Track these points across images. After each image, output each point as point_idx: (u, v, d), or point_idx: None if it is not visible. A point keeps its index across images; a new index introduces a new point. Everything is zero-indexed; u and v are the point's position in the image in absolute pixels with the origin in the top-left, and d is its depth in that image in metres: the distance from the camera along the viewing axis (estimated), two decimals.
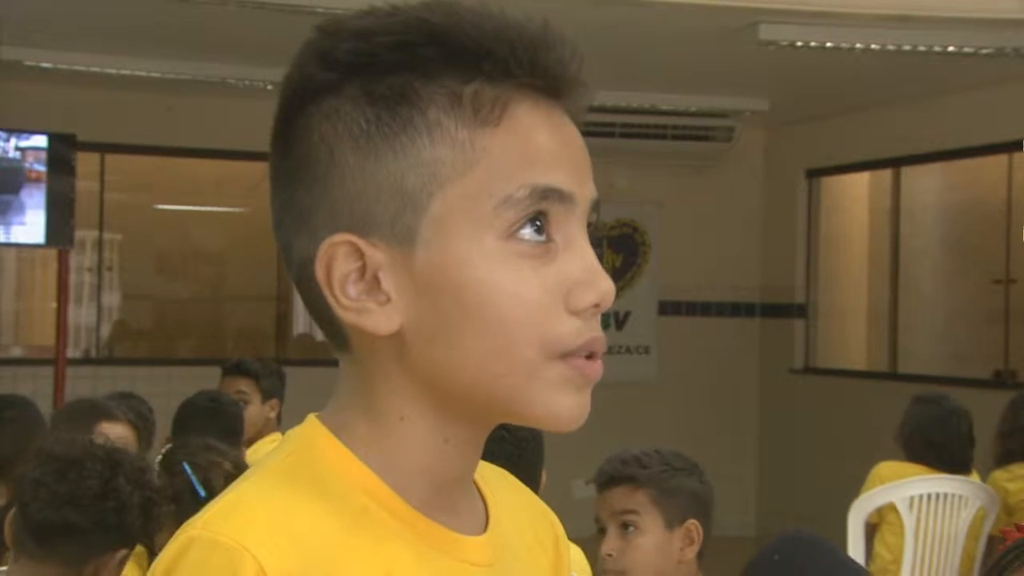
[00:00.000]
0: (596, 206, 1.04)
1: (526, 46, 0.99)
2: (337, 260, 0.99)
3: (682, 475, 2.81)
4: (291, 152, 1.02)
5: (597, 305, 1.00)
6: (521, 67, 0.99)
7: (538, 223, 0.98)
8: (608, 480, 2.83)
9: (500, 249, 0.98)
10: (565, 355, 0.99)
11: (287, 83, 1.03)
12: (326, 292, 1.00)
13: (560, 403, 1.00)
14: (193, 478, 2.99)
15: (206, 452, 3.13)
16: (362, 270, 0.99)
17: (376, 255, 0.99)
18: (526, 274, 0.98)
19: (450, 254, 0.98)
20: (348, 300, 1.00)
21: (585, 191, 1.02)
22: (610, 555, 2.78)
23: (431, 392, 1.01)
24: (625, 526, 2.79)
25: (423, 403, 1.01)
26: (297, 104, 1.02)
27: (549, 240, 0.99)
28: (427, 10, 1.00)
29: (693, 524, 2.79)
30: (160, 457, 3.15)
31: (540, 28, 1.00)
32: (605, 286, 1.00)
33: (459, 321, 0.98)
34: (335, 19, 1.02)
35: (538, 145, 0.99)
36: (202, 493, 2.92)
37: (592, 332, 1.00)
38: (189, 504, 2.87)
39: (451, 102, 0.98)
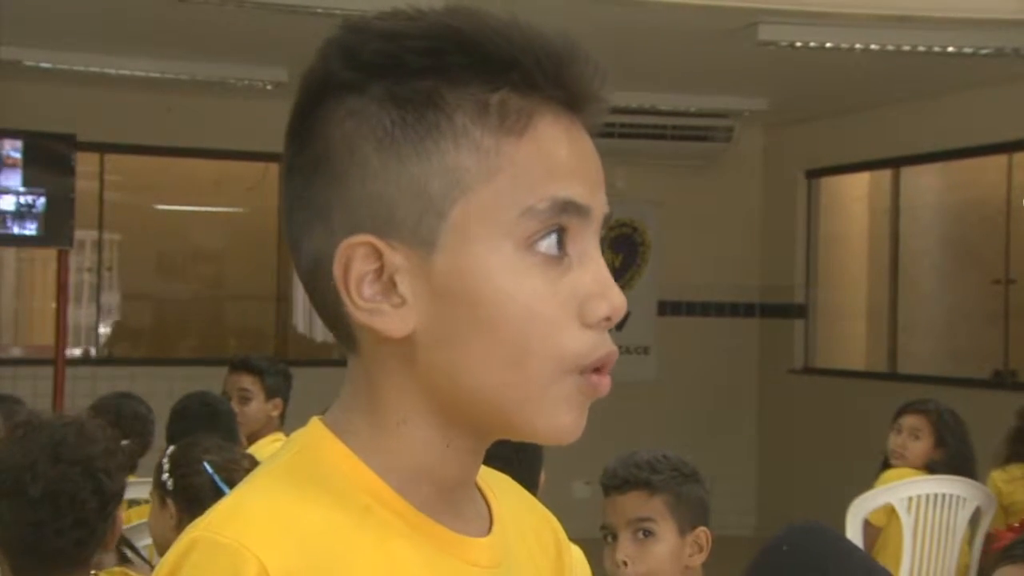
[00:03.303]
0: (607, 220, 1.04)
1: (552, 59, 0.99)
2: (355, 260, 0.99)
3: (690, 481, 2.79)
4: (308, 147, 1.02)
5: (609, 318, 1.00)
6: (547, 79, 0.99)
7: (557, 236, 0.99)
8: (621, 484, 2.78)
9: (518, 260, 0.98)
10: (580, 369, 0.99)
11: (309, 77, 1.03)
12: (342, 291, 0.99)
13: (563, 418, 1.00)
14: (215, 477, 2.99)
15: (220, 451, 3.14)
16: (379, 271, 0.99)
17: (395, 258, 0.99)
18: (543, 287, 0.98)
19: (469, 261, 0.98)
20: (363, 301, 0.99)
21: (600, 205, 1.02)
22: (625, 562, 2.74)
23: (435, 397, 1.01)
24: (639, 532, 2.74)
25: (426, 408, 1.01)
26: (318, 99, 1.01)
27: (564, 253, 0.99)
28: (453, 16, 1.00)
29: (703, 531, 2.77)
30: (167, 457, 3.14)
31: (566, 43, 1.01)
32: (618, 300, 1.00)
33: (473, 329, 0.98)
34: (362, 19, 1.02)
35: (559, 158, 1.00)
36: (226, 491, 2.90)
37: (607, 346, 1.01)
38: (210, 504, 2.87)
39: (478, 109, 0.98)
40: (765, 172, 10.08)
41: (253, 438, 4.71)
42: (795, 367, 9.78)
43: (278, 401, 4.93)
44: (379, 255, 0.99)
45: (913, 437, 5.04)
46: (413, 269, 0.99)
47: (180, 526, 2.89)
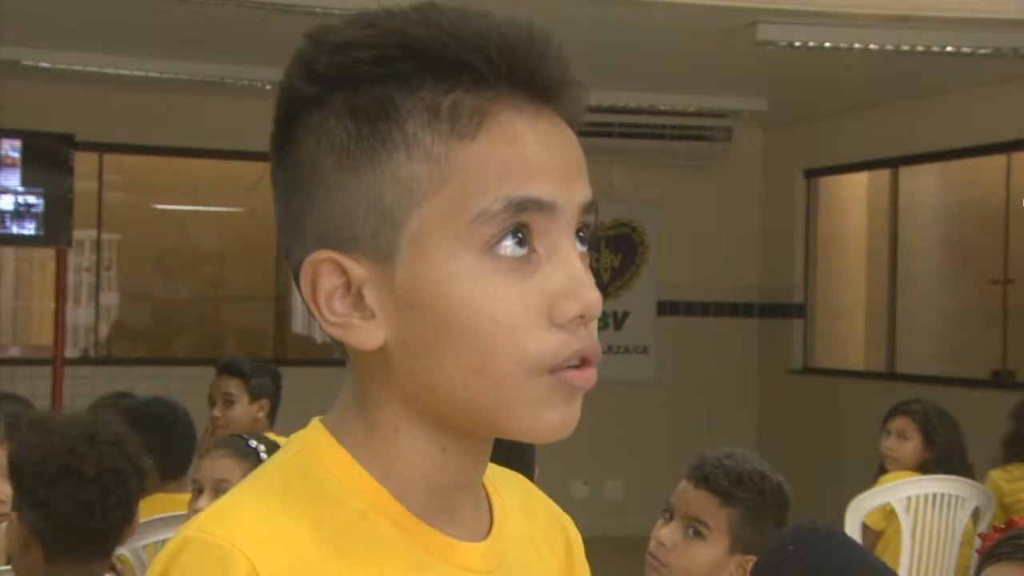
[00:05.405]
0: (592, 208, 1.01)
1: (507, 53, 0.97)
2: (321, 276, 0.99)
3: (770, 511, 2.70)
4: (283, 163, 1.02)
5: (582, 316, 0.97)
6: (499, 76, 0.97)
7: (519, 235, 0.96)
8: (701, 478, 2.70)
9: (478, 265, 0.96)
10: (551, 370, 0.97)
11: (279, 94, 1.03)
12: (311, 307, 0.99)
13: (545, 418, 0.98)
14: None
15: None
16: (348, 285, 0.99)
17: (359, 271, 0.98)
18: (504, 291, 0.96)
19: (428, 272, 0.96)
20: (333, 315, 0.99)
21: (573, 197, 0.99)
22: (663, 544, 2.68)
23: (417, 405, 1.00)
24: (691, 528, 2.67)
25: (412, 415, 1.00)
26: (288, 115, 1.01)
27: (531, 251, 0.97)
28: (407, 20, 0.98)
29: (750, 561, 2.64)
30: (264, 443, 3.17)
31: (524, 33, 0.98)
32: (590, 296, 0.97)
33: (439, 339, 0.97)
34: (322, 27, 1.00)
35: (517, 155, 0.97)
36: None
37: (579, 343, 0.97)
38: None
39: (429, 116, 0.96)
40: (764, 172, 10.08)
41: None
42: (794, 367, 9.78)
43: (264, 402, 4.93)
44: (344, 270, 0.98)
45: (902, 439, 5.05)
46: (378, 282, 0.98)
47: None
